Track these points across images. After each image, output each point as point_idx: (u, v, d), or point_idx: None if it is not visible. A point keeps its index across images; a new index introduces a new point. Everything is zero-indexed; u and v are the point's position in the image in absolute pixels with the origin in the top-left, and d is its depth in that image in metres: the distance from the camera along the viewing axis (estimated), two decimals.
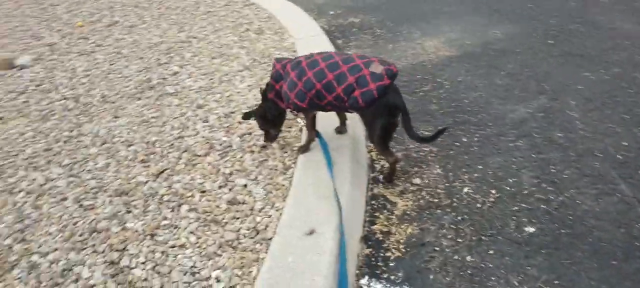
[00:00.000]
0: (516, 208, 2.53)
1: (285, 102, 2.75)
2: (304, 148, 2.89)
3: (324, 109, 2.72)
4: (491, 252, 2.28)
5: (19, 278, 2.20)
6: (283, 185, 2.67)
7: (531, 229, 2.38)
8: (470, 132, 3.24)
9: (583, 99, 3.50)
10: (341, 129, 3.04)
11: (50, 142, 3.33)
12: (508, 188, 2.68)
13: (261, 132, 3.03)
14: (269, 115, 2.88)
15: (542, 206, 2.52)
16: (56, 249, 2.36)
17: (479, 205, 2.58)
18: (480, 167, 2.89)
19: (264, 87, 2.90)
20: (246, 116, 2.94)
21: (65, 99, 3.98)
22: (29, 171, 3.03)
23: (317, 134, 2.91)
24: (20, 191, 2.84)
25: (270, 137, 2.99)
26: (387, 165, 2.87)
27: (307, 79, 2.60)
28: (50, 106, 3.88)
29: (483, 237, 2.37)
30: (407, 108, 2.55)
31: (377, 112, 2.53)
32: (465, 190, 2.71)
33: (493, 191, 2.67)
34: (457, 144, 3.13)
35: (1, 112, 3.86)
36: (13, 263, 2.29)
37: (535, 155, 2.93)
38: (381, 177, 2.90)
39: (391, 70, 2.49)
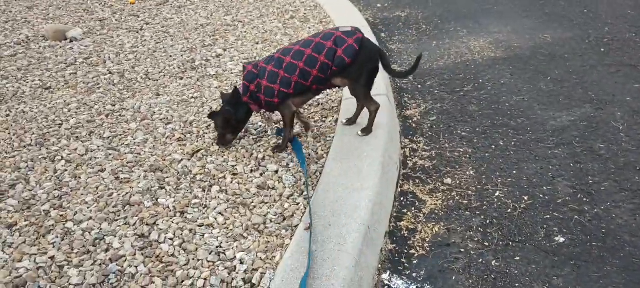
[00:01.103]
0: (548, 216, 2.47)
1: (268, 97, 2.77)
2: (282, 148, 2.91)
3: (309, 89, 2.81)
4: (517, 258, 2.23)
5: (52, 243, 2.29)
6: (314, 174, 2.69)
7: (561, 239, 2.31)
8: (508, 135, 3.17)
9: (630, 110, 3.36)
10: (352, 119, 3.08)
11: (93, 114, 3.45)
12: (542, 195, 2.62)
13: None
14: (233, 120, 2.88)
15: (576, 217, 2.45)
16: (90, 218, 2.44)
17: (509, 211, 2.53)
18: (515, 172, 2.83)
19: (230, 91, 2.93)
20: (212, 116, 2.94)
21: (110, 73, 4.11)
22: (71, 141, 3.14)
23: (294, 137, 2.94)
24: (61, 159, 2.95)
25: (225, 141, 2.97)
26: (419, 162, 2.85)
27: (288, 64, 2.73)
28: (96, 79, 4.01)
29: (511, 243, 2.32)
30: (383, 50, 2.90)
31: (363, 62, 2.76)
32: (497, 194, 2.66)
33: (526, 197, 2.61)
34: (494, 146, 3.07)
35: (50, 82, 4.02)
36: (49, 228, 2.39)
37: (573, 165, 2.84)
38: (360, 131, 2.94)
39: (357, 29, 2.81)
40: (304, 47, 2.76)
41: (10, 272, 2.11)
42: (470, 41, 4.78)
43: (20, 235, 2.34)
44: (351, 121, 3.05)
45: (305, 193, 2.53)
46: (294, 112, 2.88)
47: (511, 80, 3.92)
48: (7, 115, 3.51)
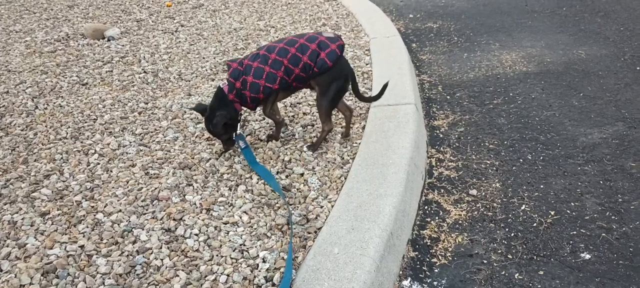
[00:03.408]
0: (574, 232, 2.43)
1: (253, 92, 2.81)
2: (275, 136, 3.11)
3: (290, 86, 2.90)
4: (541, 272, 2.21)
5: (83, 233, 2.36)
6: (339, 178, 2.71)
7: (587, 256, 2.28)
8: (537, 150, 3.14)
9: None
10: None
11: (126, 111, 3.55)
12: (569, 211, 2.58)
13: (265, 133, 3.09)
14: (229, 119, 2.84)
15: (603, 234, 2.41)
16: (120, 211, 2.51)
17: (535, 225, 2.51)
18: (542, 186, 2.80)
19: (213, 95, 2.93)
20: (211, 129, 2.90)
21: (145, 72, 4.22)
22: (104, 135, 3.24)
23: (242, 136, 2.97)
24: (94, 153, 3.04)
25: (229, 143, 2.98)
26: (445, 172, 2.84)
27: (273, 60, 2.79)
28: (130, 77, 4.12)
29: (535, 257, 2.30)
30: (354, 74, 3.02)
31: (335, 77, 2.86)
32: (523, 207, 2.64)
33: (552, 212, 2.58)
34: (521, 160, 3.05)
35: (87, 78, 4.14)
36: (80, 218, 2.47)
37: (602, 182, 2.80)
38: (305, 147, 3.04)
39: (339, 36, 2.90)
40: (289, 46, 2.82)
41: (41, 258, 2.19)
42: (502, 54, 4.74)
43: (52, 224, 2.42)
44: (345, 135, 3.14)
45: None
46: (273, 104, 3.01)
47: (542, 95, 3.88)
48: (45, 109, 3.64)
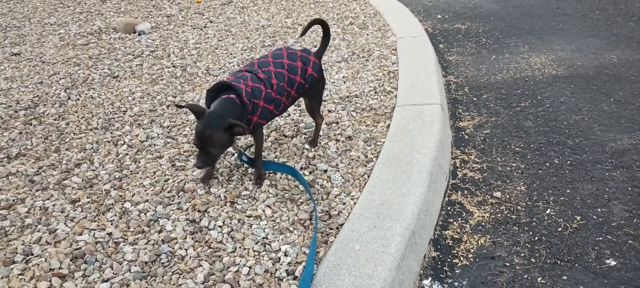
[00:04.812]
0: (600, 238, 2.40)
1: (262, 119, 2.59)
2: (260, 178, 2.72)
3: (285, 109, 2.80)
4: (565, 277, 2.18)
5: (111, 221, 2.42)
6: (362, 176, 2.72)
7: (613, 262, 2.25)
8: (564, 154, 3.10)
9: None
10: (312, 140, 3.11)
11: (155, 104, 3.61)
12: (595, 217, 2.55)
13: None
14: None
15: (630, 241, 2.37)
16: (146, 201, 2.57)
17: (559, 229, 2.48)
18: (568, 191, 2.76)
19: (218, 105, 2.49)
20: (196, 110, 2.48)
21: (174, 66, 4.29)
22: (133, 127, 3.31)
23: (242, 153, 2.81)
24: (123, 144, 3.11)
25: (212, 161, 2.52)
26: (469, 173, 2.82)
27: (278, 86, 2.65)
28: (160, 71, 4.20)
29: (559, 261, 2.27)
30: None
31: (321, 80, 2.92)
32: (548, 211, 2.61)
33: (578, 218, 2.55)
34: (548, 164, 3.01)
35: (118, 71, 4.23)
36: (108, 206, 2.53)
37: (631, 188, 2.75)
38: (308, 144, 3.06)
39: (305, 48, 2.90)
40: (280, 69, 2.68)
41: (70, 244, 2.25)
42: (531, 57, 4.69)
43: (81, 211, 2.49)
44: (313, 143, 3.07)
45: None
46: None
47: (571, 99, 3.82)
48: (77, 100, 3.73)
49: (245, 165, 2.84)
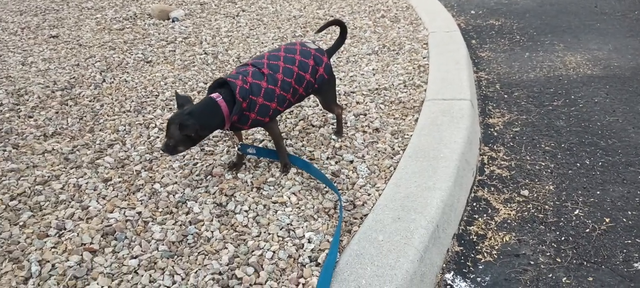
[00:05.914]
0: (629, 241, 2.35)
1: (261, 116, 2.54)
2: (286, 167, 2.75)
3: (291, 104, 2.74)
4: (590, 279, 2.15)
5: (141, 200, 2.49)
6: (388, 168, 2.72)
7: None
8: (596, 155, 3.04)
9: None
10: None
11: (186, 90, 3.68)
12: (625, 219, 2.50)
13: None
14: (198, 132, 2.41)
15: None
16: (175, 183, 2.63)
17: (587, 230, 2.44)
18: (598, 192, 2.71)
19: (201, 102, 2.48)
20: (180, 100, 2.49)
21: (205, 53, 4.35)
22: (165, 111, 3.37)
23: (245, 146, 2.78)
24: (154, 127, 3.18)
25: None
26: (496, 170, 2.80)
27: (282, 82, 2.58)
28: (192, 58, 4.26)
29: (585, 263, 2.24)
30: None
31: (332, 78, 2.86)
32: (576, 212, 2.57)
33: (607, 219, 2.51)
34: (578, 164, 2.96)
35: (151, 56, 4.31)
36: (139, 186, 2.60)
37: None
38: (334, 136, 3.07)
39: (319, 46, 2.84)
40: (290, 64, 2.62)
41: (102, 221, 2.32)
42: (566, 56, 4.59)
43: (113, 190, 2.56)
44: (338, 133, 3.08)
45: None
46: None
47: (606, 100, 3.74)
48: (112, 83, 3.82)
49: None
